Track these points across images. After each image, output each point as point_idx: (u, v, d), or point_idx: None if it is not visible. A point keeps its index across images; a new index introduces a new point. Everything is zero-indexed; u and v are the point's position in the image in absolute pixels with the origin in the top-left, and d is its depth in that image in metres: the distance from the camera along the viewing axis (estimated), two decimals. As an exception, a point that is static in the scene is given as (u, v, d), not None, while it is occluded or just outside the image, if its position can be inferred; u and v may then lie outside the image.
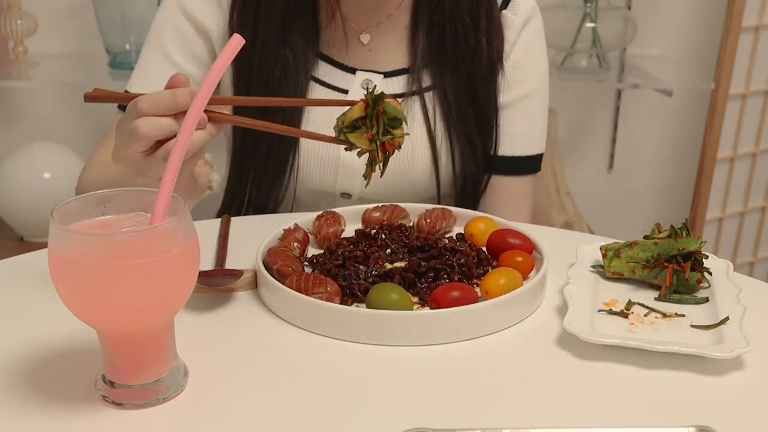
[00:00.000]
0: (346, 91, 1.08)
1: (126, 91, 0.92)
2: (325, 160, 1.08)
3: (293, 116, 1.06)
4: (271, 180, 1.08)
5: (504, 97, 1.11)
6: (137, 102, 0.73)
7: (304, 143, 1.07)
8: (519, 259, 0.83)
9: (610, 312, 0.77)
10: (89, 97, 0.78)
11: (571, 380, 0.68)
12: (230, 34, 1.05)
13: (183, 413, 0.63)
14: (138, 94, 0.75)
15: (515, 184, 1.14)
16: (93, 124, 2.20)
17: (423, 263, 0.82)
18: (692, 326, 0.75)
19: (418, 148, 1.08)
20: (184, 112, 0.67)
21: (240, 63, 1.06)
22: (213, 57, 1.08)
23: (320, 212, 0.93)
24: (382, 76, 1.09)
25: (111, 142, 1.01)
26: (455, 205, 1.12)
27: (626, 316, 0.77)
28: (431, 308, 0.76)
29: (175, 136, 0.72)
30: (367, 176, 0.79)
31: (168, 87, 0.75)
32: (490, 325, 0.75)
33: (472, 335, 0.74)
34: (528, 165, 1.14)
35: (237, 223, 0.99)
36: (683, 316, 0.77)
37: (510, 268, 0.80)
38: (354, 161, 1.07)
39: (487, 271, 0.83)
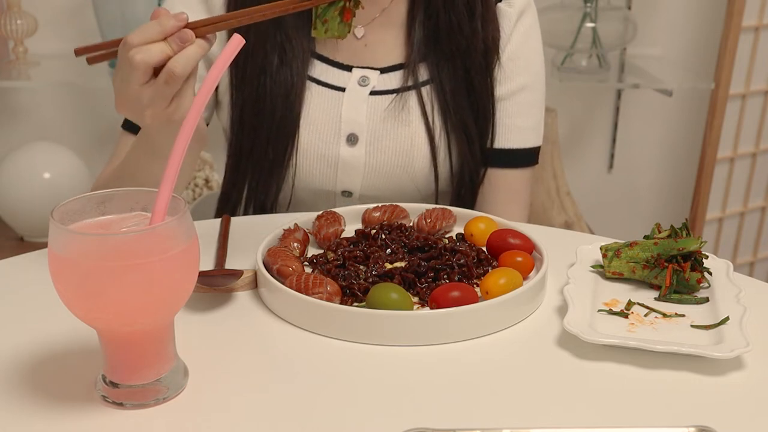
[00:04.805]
0: (343, 89, 1.08)
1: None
2: (325, 158, 1.08)
3: (290, 116, 1.06)
4: (269, 179, 1.08)
5: (500, 90, 1.11)
6: (126, 39, 0.78)
7: (303, 141, 1.07)
8: (519, 259, 0.83)
9: (610, 312, 0.77)
10: (79, 52, 0.82)
11: (571, 380, 0.68)
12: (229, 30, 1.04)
13: (183, 413, 0.63)
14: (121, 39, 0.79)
15: (512, 177, 1.14)
16: (93, 124, 2.20)
17: (423, 263, 0.82)
18: (692, 326, 0.75)
19: (417, 143, 1.08)
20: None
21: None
22: (204, 60, 1.06)
23: (320, 212, 0.93)
24: (378, 72, 1.09)
25: (120, 156, 1.02)
26: (453, 200, 1.12)
27: (626, 316, 0.77)
28: (431, 308, 0.76)
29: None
30: (345, 21, 0.82)
31: (151, 19, 0.79)
32: (490, 325, 0.75)
33: (472, 335, 0.74)
34: (525, 158, 1.14)
35: (237, 223, 0.99)
36: (683, 316, 0.77)
37: (510, 268, 0.80)
38: (355, 158, 1.08)
39: (487, 271, 0.83)
